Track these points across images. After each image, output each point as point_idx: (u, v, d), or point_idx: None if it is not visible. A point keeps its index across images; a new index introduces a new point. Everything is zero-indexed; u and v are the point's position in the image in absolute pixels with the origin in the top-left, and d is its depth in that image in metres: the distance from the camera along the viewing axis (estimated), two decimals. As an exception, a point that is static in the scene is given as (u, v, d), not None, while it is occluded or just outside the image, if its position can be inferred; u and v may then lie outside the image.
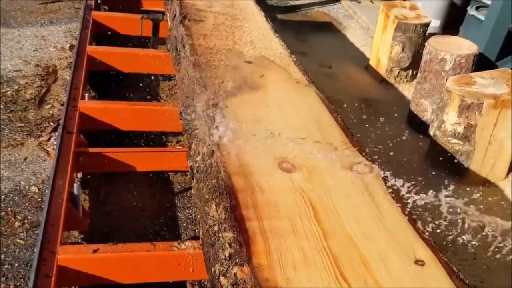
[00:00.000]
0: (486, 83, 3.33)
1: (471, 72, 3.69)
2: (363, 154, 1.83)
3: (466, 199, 1.57)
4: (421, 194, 1.59)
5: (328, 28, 6.01)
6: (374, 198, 1.59)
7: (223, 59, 2.49)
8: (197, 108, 1.98)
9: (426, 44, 3.89)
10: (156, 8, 4.39)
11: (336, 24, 6.14)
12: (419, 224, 1.49)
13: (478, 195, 1.96)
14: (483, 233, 1.60)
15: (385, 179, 1.69)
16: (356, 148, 1.86)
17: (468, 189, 2.98)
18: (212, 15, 3.07)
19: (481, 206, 1.64)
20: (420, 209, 1.65)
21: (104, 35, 3.97)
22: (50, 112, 3.50)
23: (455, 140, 3.32)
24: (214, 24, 2.93)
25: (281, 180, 1.63)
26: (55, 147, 2.46)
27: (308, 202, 1.53)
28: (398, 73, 4.64)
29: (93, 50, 3.34)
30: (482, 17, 4.73)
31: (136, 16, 3.92)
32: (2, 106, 3.48)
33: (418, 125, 3.90)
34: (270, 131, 1.89)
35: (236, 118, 1.94)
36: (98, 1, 4.38)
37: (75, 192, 2.29)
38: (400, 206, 1.56)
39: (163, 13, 3.86)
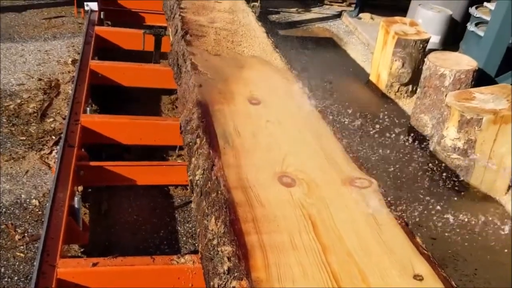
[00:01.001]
0: (485, 98, 3.35)
1: (471, 87, 3.72)
2: (363, 169, 1.84)
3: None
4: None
5: (329, 43, 6.06)
6: (373, 213, 1.59)
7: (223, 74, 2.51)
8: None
9: (426, 59, 3.92)
10: (158, 23, 4.45)
11: (337, 39, 6.19)
12: (418, 239, 1.49)
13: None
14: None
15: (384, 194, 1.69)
16: (356, 163, 1.87)
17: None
18: (213, 31, 3.10)
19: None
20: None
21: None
22: (52, 126, 3.52)
23: (455, 155, 3.32)
24: (216, 40, 2.96)
25: (281, 194, 1.63)
26: (56, 160, 2.47)
27: (308, 217, 1.54)
28: (398, 88, 4.67)
29: (95, 64, 3.37)
30: (481, 33, 4.77)
31: (138, 31, 3.96)
32: (4, 120, 3.50)
33: (418, 140, 3.91)
34: (270, 145, 1.90)
35: (237, 133, 1.96)
36: (101, 17, 4.44)
37: (76, 205, 2.29)
38: (399, 221, 1.56)
39: (165, 28, 3.91)
